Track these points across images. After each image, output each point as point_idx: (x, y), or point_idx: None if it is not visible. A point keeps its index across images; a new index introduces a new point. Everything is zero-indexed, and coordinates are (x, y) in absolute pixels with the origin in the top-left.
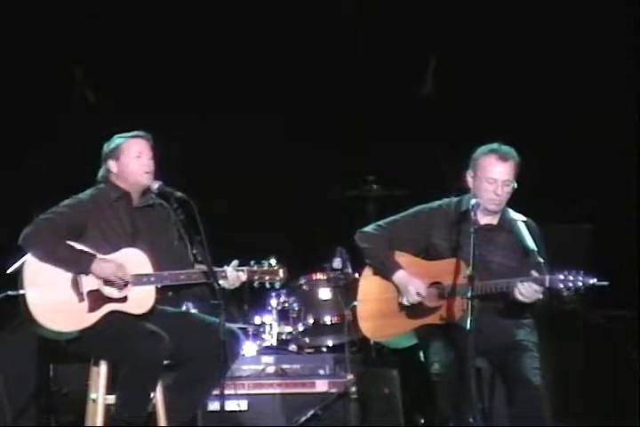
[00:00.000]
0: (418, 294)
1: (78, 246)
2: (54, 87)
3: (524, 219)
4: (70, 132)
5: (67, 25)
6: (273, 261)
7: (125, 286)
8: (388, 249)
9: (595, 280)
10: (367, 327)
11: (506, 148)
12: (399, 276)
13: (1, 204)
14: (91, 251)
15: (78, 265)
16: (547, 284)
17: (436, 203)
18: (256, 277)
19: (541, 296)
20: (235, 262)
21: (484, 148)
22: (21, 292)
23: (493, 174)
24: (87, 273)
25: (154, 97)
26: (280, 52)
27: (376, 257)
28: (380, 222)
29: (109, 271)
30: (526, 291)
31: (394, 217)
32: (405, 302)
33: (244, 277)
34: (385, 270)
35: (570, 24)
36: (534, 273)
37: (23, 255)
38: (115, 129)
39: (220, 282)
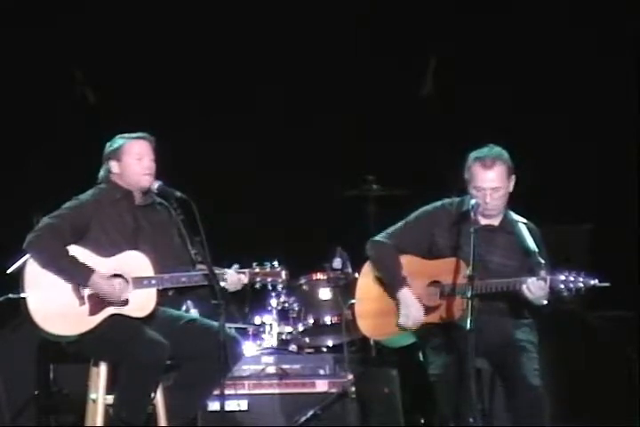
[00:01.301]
0: (416, 322)
1: (81, 258)
2: (54, 87)
3: (525, 221)
4: (70, 132)
5: (67, 25)
6: (275, 263)
7: (124, 303)
8: (396, 261)
9: (596, 281)
10: (366, 326)
11: (494, 152)
12: (404, 294)
13: (1, 204)
14: (93, 258)
15: (76, 279)
16: (547, 284)
17: (439, 202)
18: (258, 279)
19: (544, 294)
20: (235, 266)
21: (473, 154)
22: (22, 295)
23: (480, 183)
24: (84, 286)
25: (154, 97)
26: (280, 51)
27: (384, 271)
28: (390, 230)
29: (106, 290)
30: (533, 287)
31: (402, 223)
32: (401, 323)
33: (245, 279)
34: (391, 285)
35: (570, 23)
36: (542, 273)
37: (23, 255)
38: (115, 129)
39: (222, 283)
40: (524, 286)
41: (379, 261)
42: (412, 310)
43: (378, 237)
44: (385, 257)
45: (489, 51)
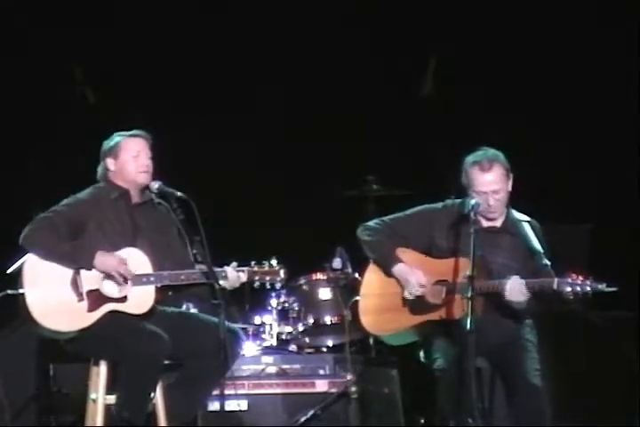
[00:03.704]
0: (420, 285)
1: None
2: (54, 87)
3: (528, 219)
4: (70, 132)
5: (67, 25)
6: (273, 262)
7: (126, 282)
8: (389, 243)
9: (604, 286)
10: (368, 321)
11: (490, 154)
12: (399, 268)
13: (1, 204)
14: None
15: (80, 260)
16: (555, 286)
17: (440, 203)
18: (256, 278)
19: (524, 299)
20: (234, 264)
21: (469, 158)
22: (21, 291)
23: (480, 187)
24: (89, 268)
25: (154, 97)
26: (280, 51)
27: (377, 250)
28: (384, 218)
29: (111, 265)
30: (511, 287)
31: (397, 214)
32: (408, 296)
33: (244, 277)
34: (385, 263)
35: (570, 23)
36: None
37: (23, 255)
38: (115, 129)
39: (221, 282)
40: (506, 288)
41: (371, 242)
42: (410, 279)
43: (370, 223)
44: (377, 239)
45: (489, 51)
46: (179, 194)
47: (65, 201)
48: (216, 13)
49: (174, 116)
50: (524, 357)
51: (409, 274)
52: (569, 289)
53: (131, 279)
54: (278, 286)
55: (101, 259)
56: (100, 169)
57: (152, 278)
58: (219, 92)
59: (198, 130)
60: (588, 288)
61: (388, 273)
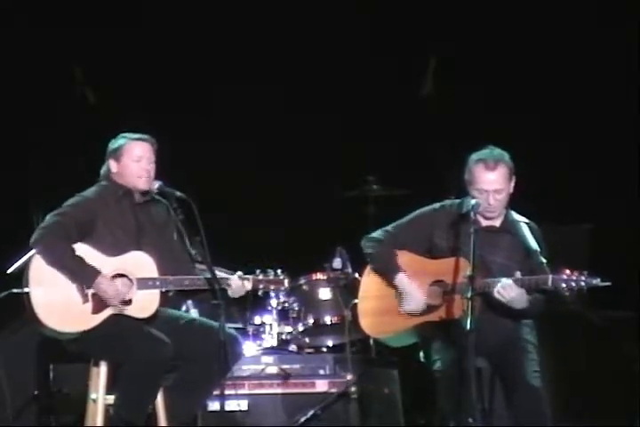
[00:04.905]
0: (417, 307)
1: (87, 257)
2: (54, 87)
3: (527, 221)
4: (70, 132)
5: (67, 25)
6: (279, 271)
7: (126, 303)
8: (392, 253)
9: (598, 281)
10: (367, 324)
11: (496, 153)
12: (400, 279)
13: (1, 204)
14: (98, 257)
15: (81, 279)
16: (549, 283)
17: (438, 204)
18: (261, 286)
19: (515, 295)
20: (239, 273)
21: (475, 155)
22: (26, 290)
23: (483, 185)
24: (87, 287)
25: (154, 97)
26: (280, 51)
27: (379, 262)
28: (387, 227)
29: (109, 293)
30: (505, 291)
31: (398, 221)
32: (402, 311)
33: (249, 286)
34: (387, 274)
35: (570, 23)
36: (518, 273)
37: (24, 255)
38: (115, 129)
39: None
40: (495, 290)
41: (374, 254)
42: (411, 294)
43: (374, 234)
44: (380, 250)
45: (489, 51)
46: (178, 194)
47: (72, 201)
48: (216, 13)
49: (174, 116)
50: (523, 358)
51: (409, 292)
52: (563, 285)
53: (120, 306)
54: (282, 295)
55: (101, 285)
56: (103, 168)
57: (157, 283)
58: (219, 92)
59: (198, 129)
60: (583, 283)
61: (390, 282)
